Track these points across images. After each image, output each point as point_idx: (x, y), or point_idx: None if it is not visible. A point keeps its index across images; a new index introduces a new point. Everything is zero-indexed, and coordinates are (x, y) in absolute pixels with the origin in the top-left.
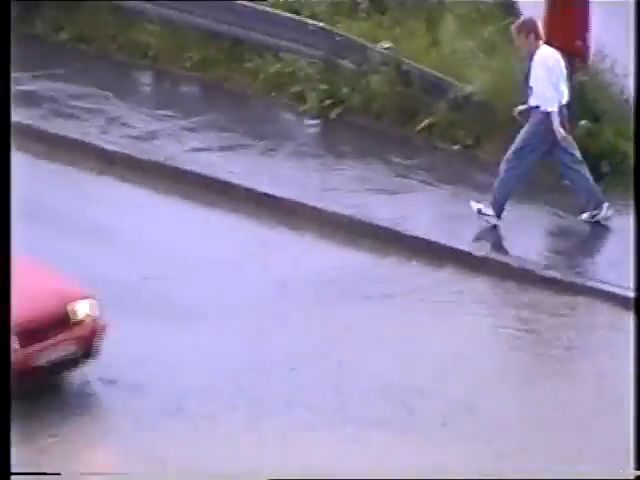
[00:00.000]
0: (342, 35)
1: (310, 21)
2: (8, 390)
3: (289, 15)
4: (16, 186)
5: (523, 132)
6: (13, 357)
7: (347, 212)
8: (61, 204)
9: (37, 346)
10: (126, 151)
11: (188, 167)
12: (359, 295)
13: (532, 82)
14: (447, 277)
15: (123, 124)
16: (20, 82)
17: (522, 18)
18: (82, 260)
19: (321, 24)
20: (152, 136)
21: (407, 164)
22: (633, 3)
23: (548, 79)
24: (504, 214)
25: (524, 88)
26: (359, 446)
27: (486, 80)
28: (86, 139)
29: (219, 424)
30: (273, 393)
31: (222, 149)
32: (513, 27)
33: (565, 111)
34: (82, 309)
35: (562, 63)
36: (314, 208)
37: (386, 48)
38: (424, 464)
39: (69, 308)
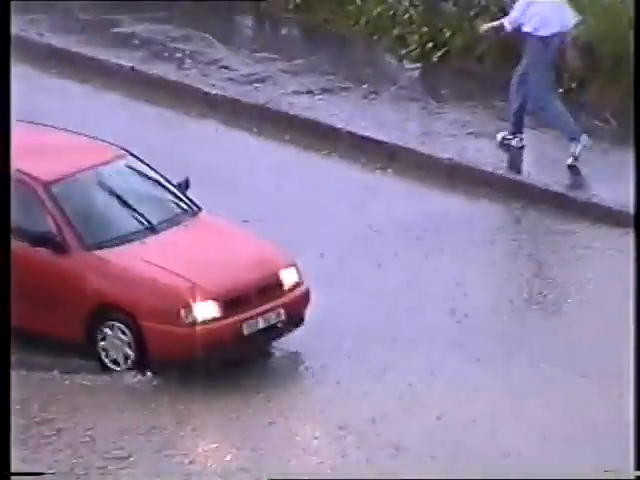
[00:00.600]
0: None
1: None
2: (8, 390)
3: None
4: (119, 128)
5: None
6: (216, 325)
7: (447, 155)
8: (162, 147)
9: (244, 314)
10: (227, 94)
11: (289, 110)
12: (463, 240)
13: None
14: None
15: (224, 67)
16: (120, 25)
17: None
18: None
19: None
20: (253, 79)
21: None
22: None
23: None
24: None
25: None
26: None
27: (590, 23)
28: (187, 82)
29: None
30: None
31: (323, 92)
32: None
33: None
34: (289, 276)
35: None
36: (415, 152)
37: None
38: None
39: (277, 276)
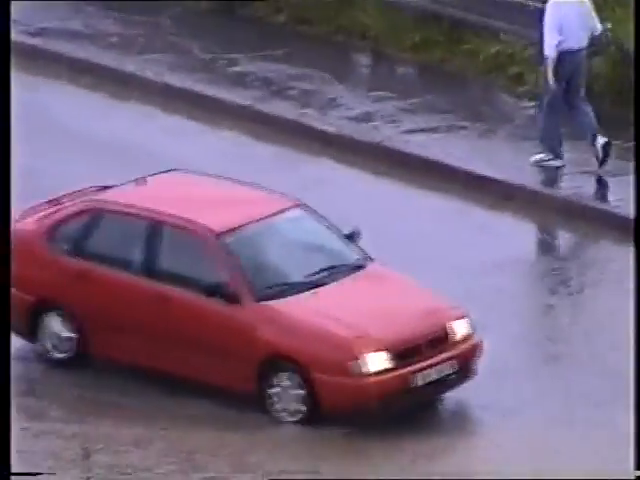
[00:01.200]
0: None
1: (530, 2)
2: (8, 390)
3: None
4: (236, 166)
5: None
6: (388, 377)
7: (563, 193)
8: (279, 185)
9: (415, 366)
10: (343, 132)
11: (405, 149)
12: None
13: None
14: None
15: (340, 105)
16: (238, 63)
17: None
18: None
19: (540, 5)
20: (369, 117)
21: (627, 146)
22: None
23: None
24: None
25: None
26: None
27: None
28: (303, 120)
29: None
30: None
31: (439, 130)
32: None
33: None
34: (461, 328)
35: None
36: (531, 190)
37: (607, 29)
38: None
39: (448, 327)
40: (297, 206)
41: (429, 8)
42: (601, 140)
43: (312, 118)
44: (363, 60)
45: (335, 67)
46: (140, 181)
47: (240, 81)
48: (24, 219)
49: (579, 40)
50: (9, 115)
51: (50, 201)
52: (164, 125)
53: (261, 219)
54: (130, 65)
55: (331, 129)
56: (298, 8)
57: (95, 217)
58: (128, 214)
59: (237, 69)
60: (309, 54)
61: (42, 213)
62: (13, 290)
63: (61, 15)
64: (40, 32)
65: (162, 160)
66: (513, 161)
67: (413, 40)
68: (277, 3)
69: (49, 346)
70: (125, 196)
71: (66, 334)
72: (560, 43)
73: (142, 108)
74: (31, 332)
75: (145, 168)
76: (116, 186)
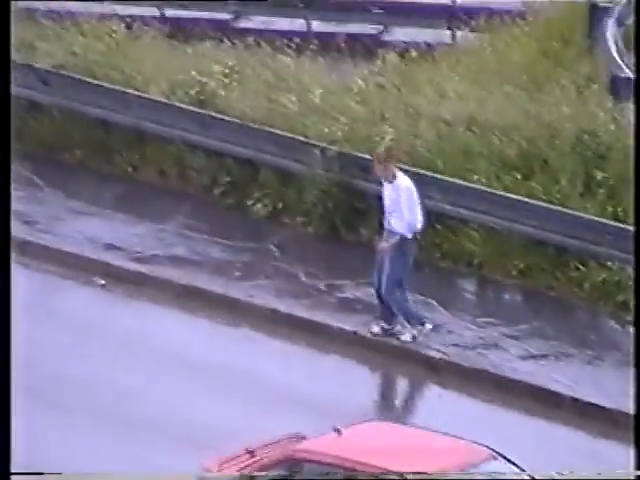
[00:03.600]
0: None
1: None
2: (8, 390)
3: (612, 222)
4: (340, 394)
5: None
6: None
7: None
8: (385, 414)
9: None
10: (450, 359)
11: (512, 375)
12: None
13: (395, 206)
14: None
15: (447, 331)
16: (343, 289)
17: (382, 150)
18: None
19: None
20: (476, 344)
21: None
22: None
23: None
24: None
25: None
26: None
27: None
28: (409, 347)
29: None
30: None
31: (546, 357)
32: (375, 155)
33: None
34: None
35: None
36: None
37: None
38: None
39: None
40: (493, 458)
41: (534, 235)
42: None
43: (418, 344)
44: (468, 286)
45: (440, 293)
46: (338, 430)
47: (345, 307)
48: (222, 468)
49: None
50: (9, 120)
51: (248, 451)
52: (269, 350)
53: (456, 469)
54: (236, 291)
55: (438, 355)
56: None
57: (294, 466)
58: (328, 464)
59: (343, 295)
60: (414, 280)
61: (241, 463)
62: None
63: (167, 241)
64: (147, 259)
65: (266, 385)
66: (621, 388)
67: (518, 266)
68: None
69: None
70: (324, 445)
71: None
72: None
73: (249, 333)
74: None
75: (247, 393)
76: (313, 436)
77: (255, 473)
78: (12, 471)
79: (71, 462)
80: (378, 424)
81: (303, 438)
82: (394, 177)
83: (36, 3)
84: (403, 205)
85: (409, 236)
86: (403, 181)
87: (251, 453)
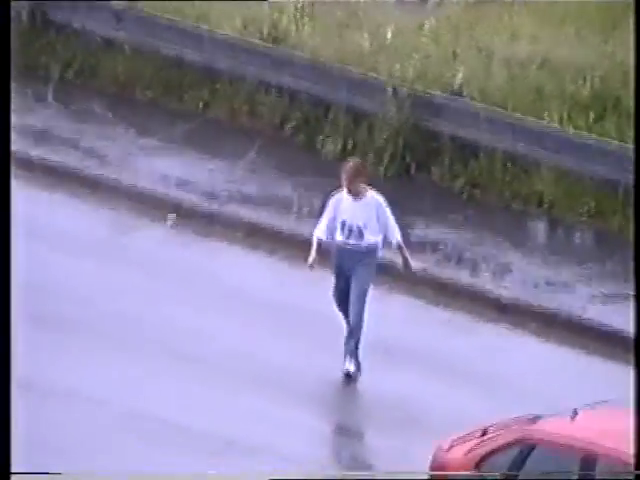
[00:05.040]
0: None
1: None
2: (8, 390)
3: None
4: (408, 332)
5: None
6: None
7: None
8: (451, 352)
9: None
10: (518, 298)
11: (582, 316)
12: None
13: (368, 221)
14: None
15: (516, 271)
16: (414, 228)
17: (355, 163)
18: (475, 406)
19: None
20: (545, 283)
21: None
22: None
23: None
24: None
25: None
26: None
27: None
28: (478, 286)
29: None
30: None
31: (617, 299)
32: (350, 171)
33: None
34: None
35: None
36: None
37: None
38: None
39: None
40: None
41: (606, 175)
42: None
43: (487, 283)
44: (539, 226)
45: (510, 233)
46: (574, 412)
47: (415, 246)
48: (452, 448)
49: None
50: (9, 120)
51: (481, 431)
52: None
53: None
54: (307, 229)
55: (506, 294)
56: (474, 174)
57: (525, 448)
58: (562, 445)
59: (413, 233)
60: (484, 219)
61: (472, 442)
62: None
63: (237, 178)
64: (218, 197)
65: (333, 325)
66: None
67: (589, 207)
68: (453, 168)
69: None
70: (559, 427)
71: None
72: None
73: (319, 272)
74: None
75: (314, 333)
76: (545, 417)
77: (485, 453)
78: (12, 471)
79: (147, 403)
80: (613, 407)
81: (537, 418)
82: (364, 194)
83: None
84: (385, 217)
85: (380, 250)
86: (374, 196)
87: (484, 432)
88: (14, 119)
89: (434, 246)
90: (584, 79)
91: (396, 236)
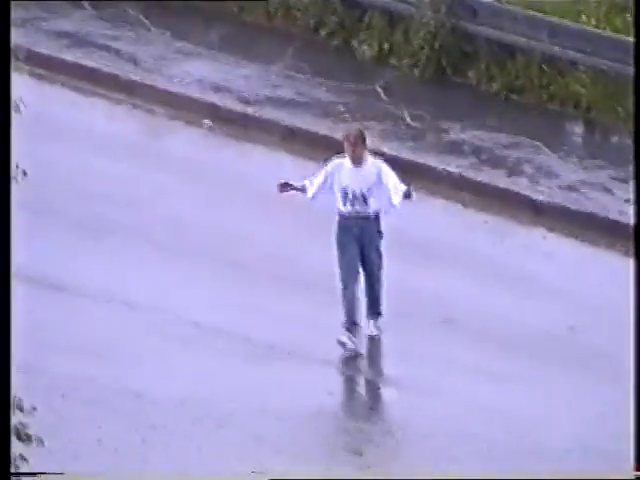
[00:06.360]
0: None
1: None
2: (8, 390)
3: None
4: (444, 234)
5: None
6: None
7: None
8: (489, 254)
9: None
10: (555, 201)
11: (619, 218)
12: None
13: (372, 186)
14: None
15: (552, 174)
16: (450, 131)
17: (356, 129)
18: (511, 308)
19: None
20: (582, 186)
21: None
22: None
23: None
24: None
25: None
26: None
27: None
28: (514, 189)
29: None
30: None
31: None
32: (353, 138)
33: None
34: None
35: None
36: None
37: None
38: None
39: None
40: None
41: None
42: None
43: (524, 186)
44: (576, 129)
45: (547, 135)
46: None
47: (451, 149)
48: None
49: None
50: (9, 114)
51: None
52: None
53: None
54: (342, 133)
55: (542, 197)
56: (511, 76)
57: None
58: None
59: (449, 137)
60: (521, 122)
61: None
62: None
63: (272, 82)
64: (253, 100)
65: None
66: None
67: (627, 109)
68: (490, 71)
69: None
70: None
71: None
72: None
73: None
74: None
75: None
76: None
77: None
78: (12, 471)
79: (185, 307)
80: None
81: None
82: (364, 160)
83: None
84: (388, 182)
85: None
86: (376, 162)
87: None
88: (50, 24)
89: (470, 150)
90: None
91: (398, 200)
